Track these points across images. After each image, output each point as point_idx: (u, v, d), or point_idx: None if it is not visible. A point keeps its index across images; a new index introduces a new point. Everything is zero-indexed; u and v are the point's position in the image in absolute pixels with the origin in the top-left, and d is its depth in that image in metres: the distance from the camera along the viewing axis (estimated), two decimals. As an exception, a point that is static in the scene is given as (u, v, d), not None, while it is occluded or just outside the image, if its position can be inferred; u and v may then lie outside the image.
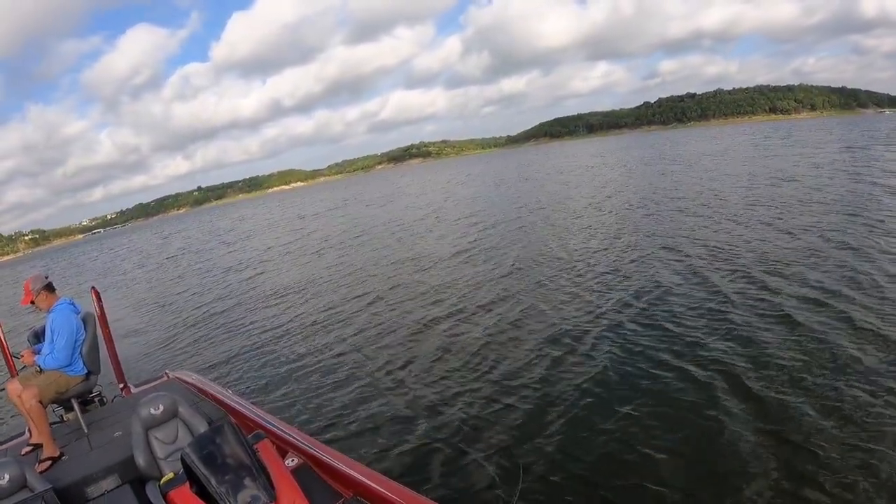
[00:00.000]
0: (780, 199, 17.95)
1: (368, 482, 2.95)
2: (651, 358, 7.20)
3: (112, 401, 5.89)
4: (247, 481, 2.83)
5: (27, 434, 4.86)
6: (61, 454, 4.35)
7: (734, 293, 9.18)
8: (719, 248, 12.31)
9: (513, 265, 13.63)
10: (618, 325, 8.56)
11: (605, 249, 13.89)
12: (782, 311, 8.06)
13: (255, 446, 3.16)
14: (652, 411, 5.84)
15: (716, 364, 6.68)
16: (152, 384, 6.02)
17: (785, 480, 4.47)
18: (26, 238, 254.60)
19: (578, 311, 9.46)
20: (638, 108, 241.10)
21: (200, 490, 2.86)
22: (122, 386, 6.31)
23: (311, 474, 3.32)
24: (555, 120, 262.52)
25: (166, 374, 6.29)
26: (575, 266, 12.62)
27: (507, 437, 5.70)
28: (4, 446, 5.04)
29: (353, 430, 6.38)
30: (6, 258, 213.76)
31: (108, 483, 3.93)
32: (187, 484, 2.95)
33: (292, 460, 3.47)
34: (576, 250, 14.31)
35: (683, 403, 5.92)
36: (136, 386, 6.21)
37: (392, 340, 9.40)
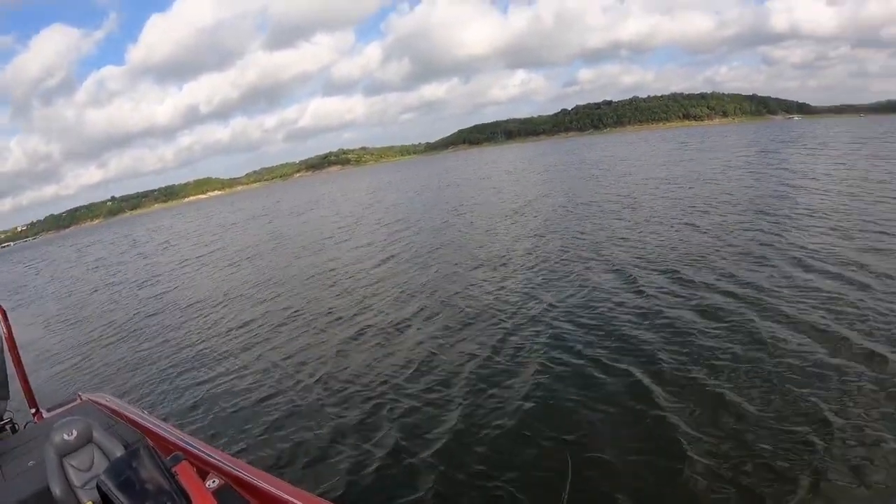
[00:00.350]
0: (692, 199, 19.32)
1: (292, 499, 2.92)
2: (576, 354, 7.53)
3: (24, 428, 5.60)
4: None
5: None
6: None
7: (652, 288, 9.89)
8: (635, 247, 13.13)
9: (435, 272, 13.90)
10: (541, 323, 8.98)
11: (515, 252, 14.48)
12: (698, 303, 8.77)
13: (173, 469, 3.03)
14: (578, 406, 6.10)
15: (637, 356, 7.14)
16: (65, 408, 5.76)
17: (719, 464, 4.81)
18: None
19: (489, 314, 9.81)
20: (556, 115, 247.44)
21: None
22: (34, 411, 6.02)
23: (232, 495, 3.25)
24: (474, 127, 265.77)
25: (79, 396, 6.03)
26: (484, 268, 13.13)
27: (429, 446, 5.76)
28: None
29: (275, 447, 6.30)
30: None
31: None
32: None
33: (213, 481, 3.37)
34: (485, 253, 14.84)
35: (608, 396, 6.22)
36: (48, 411, 5.92)
37: (312, 351, 9.38)
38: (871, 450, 4.79)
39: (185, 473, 3.06)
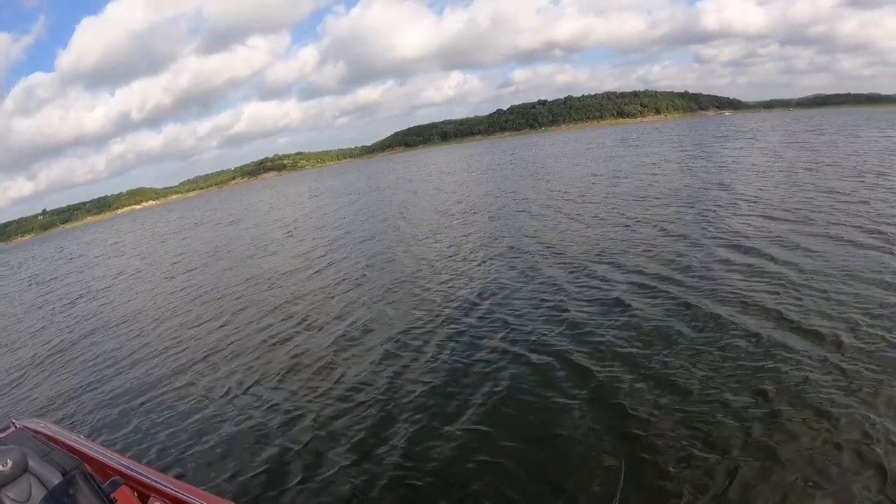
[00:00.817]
0: (619, 195, 20.33)
1: None
2: (498, 352, 7.93)
3: None
4: None
5: None
6: None
7: (575, 286, 10.36)
8: (561, 245, 13.78)
9: (361, 275, 14.27)
10: (464, 324, 9.31)
11: (452, 254, 14.91)
12: (620, 299, 9.29)
13: (112, 494, 3.06)
14: (499, 406, 6.42)
15: (559, 354, 7.47)
16: None
17: (630, 456, 5.08)
18: None
19: (427, 315, 10.14)
20: (491, 115, 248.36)
21: None
22: None
23: None
24: (410, 129, 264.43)
25: (14, 423, 5.66)
26: (422, 271, 13.50)
27: (361, 448, 5.98)
28: None
29: (218, 467, 6.25)
30: None
31: None
32: None
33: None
34: (423, 256, 15.21)
35: (529, 394, 6.57)
36: None
37: (259, 366, 9.21)
38: (808, 424, 5.27)
39: (124, 498, 3.07)
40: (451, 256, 14.75)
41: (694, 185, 20.74)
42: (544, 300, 9.91)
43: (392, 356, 8.51)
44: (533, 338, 8.24)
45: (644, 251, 12.15)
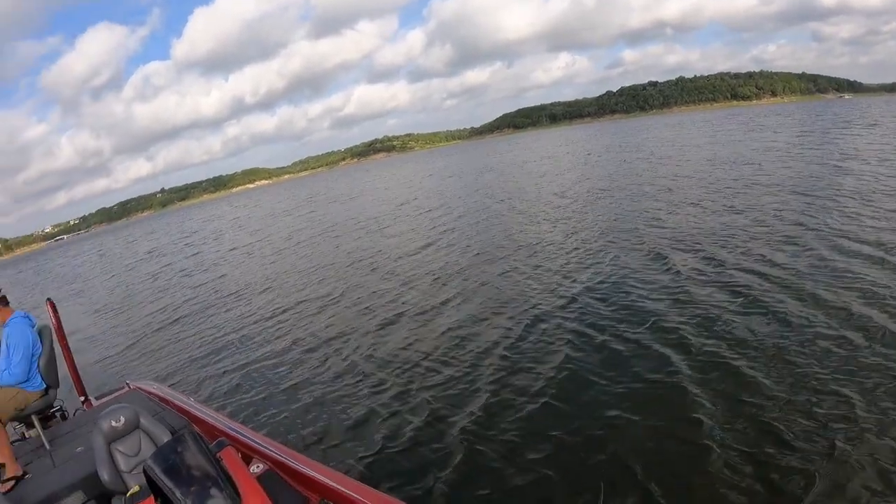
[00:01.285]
0: (739, 182, 18.48)
1: (336, 485, 2.92)
2: (611, 335, 7.42)
3: (74, 415, 5.76)
4: (212, 491, 2.70)
5: None
6: (24, 473, 4.21)
7: (696, 274, 9.48)
8: (680, 231, 12.66)
9: (475, 255, 13.82)
10: (577, 303, 8.90)
11: (571, 234, 14.22)
12: (743, 289, 8.32)
13: (218, 454, 3.03)
14: (609, 386, 6.06)
15: (684, 345, 6.79)
16: (114, 395, 5.87)
17: (743, 447, 4.64)
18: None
19: (541, 294, 9.71)
20: (600, 97, 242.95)
21: (165, 503, 2.73)
22: (83, 399, 6.16)
23: (277, 480, 3.23)
24: (518, 111, 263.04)
25: (127, 384, 6.14)
26: (541, 252, 12.85)
27: (476, 433, 5.62)
28: None
29: (319, 432, 6.28)
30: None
31: (73, 500, 3.79)
32: (151, 498, 2.82)
33: (258, 466, 3.39)
34: (542, 237, 14.55)
35: (638, 376, 6.17)
36: (97, 398, 6.06)
37: (358, 338, 9.28)
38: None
39: (229, 459, 3.07)
40: (569, 235, 14.17)
41: (819, 174, 18.21)
42: (643, 289, 9.13)
43: (503, 335, 8.15)
44: (623, 324, 7.75)
45: (778, 241, 10.79)
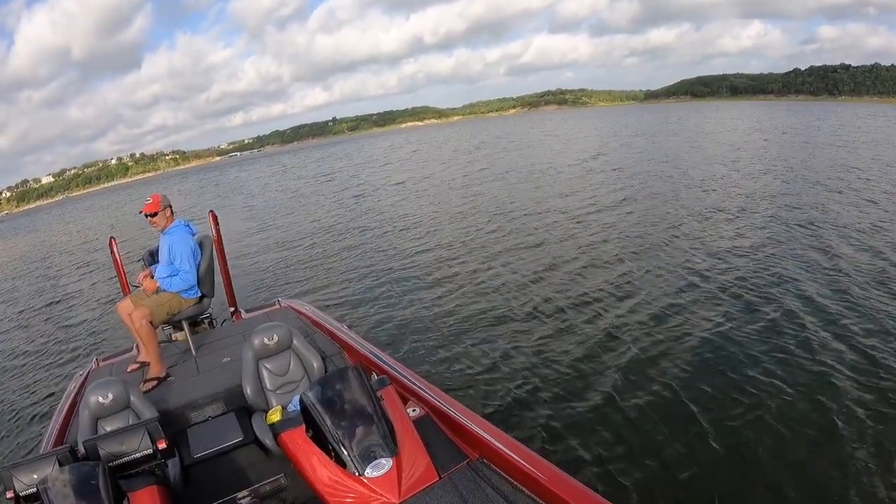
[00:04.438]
0: None
1: (498, 444, 2.61)
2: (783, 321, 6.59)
3: (222, 325, 5.91)
4: (368, 431, 2.64)
5: (135, 351, 4.96)
6: (167, 375, 4.37)
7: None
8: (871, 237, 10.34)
9: (653, 221, 12.66)
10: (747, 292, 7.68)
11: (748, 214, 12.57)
12: None
13: (378, 392, 2.94)
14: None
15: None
16: (264, 311, 5.89)
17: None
18: (167, 158, 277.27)
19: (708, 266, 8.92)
20: (787, 74, 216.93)
21: (316, 435, 2.70)
22: (232, 310, 6.23)
23: (433, 428, 3.03)
24: (697, 79, 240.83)
25: (278, 301, 6.13)
26: (714, 228, 11.61)
27: (637, 400, 5.14)
28: (110, 361, 5.13)
29: (480, 385, 5.78)
30: (148, 175, 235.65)
31: (213, 409, 3.91)
32: (302, 427, 2.78)
33: (414, 410, 3.20)
34: (721, 209, 13.26)
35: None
36: (247, 311, 6.07)
37: (535, 289, 8.56)
38: None
39: (389, 399, 2.97)
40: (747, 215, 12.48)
41: None
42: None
43: (669, 304, 7.47)
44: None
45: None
